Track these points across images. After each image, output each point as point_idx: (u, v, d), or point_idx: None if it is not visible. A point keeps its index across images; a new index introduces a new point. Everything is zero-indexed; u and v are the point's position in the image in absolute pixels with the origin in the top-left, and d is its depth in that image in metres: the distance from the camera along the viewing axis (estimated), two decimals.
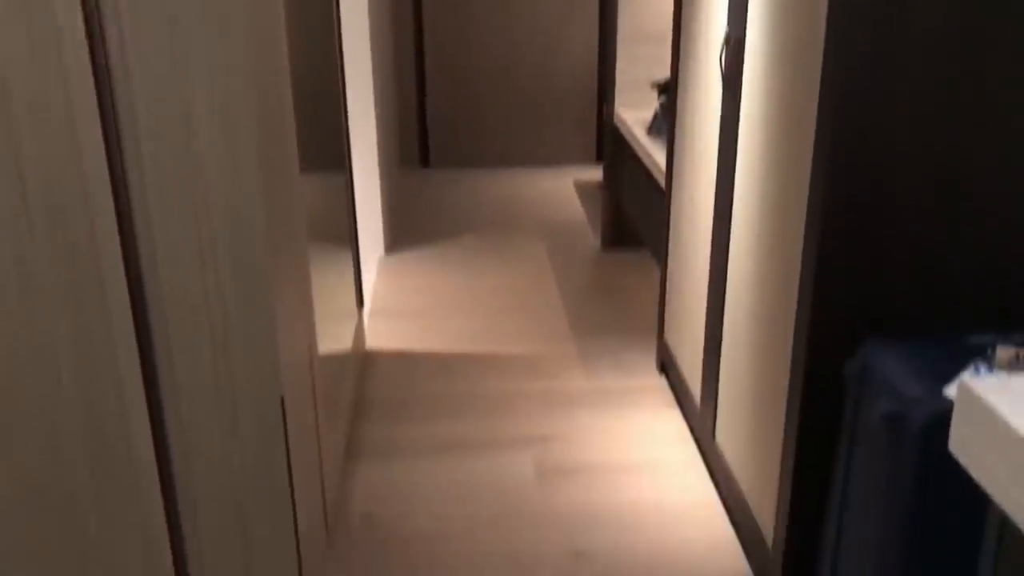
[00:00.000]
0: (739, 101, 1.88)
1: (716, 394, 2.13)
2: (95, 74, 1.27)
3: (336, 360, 2.31)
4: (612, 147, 3.71)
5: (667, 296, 2.68)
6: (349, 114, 3.41)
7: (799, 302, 1.57)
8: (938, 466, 1.28)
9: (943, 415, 1.22)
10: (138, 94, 1.30)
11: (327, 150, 2.53)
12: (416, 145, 5.16)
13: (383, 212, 3.79)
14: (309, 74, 2.17)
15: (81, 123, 1.30)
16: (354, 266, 2.92)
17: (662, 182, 2.71)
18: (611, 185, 3.76)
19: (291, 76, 1.75)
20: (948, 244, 1.47)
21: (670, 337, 2.65)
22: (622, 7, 3.51)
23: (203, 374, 1.46)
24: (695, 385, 2.35)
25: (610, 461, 2.31)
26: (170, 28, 1.27)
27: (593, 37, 4.93)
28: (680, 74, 2.45)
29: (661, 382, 2.71)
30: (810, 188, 1.50)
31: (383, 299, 3.39)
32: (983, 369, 1.35)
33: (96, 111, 1.29)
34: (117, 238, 1.36)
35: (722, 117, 2.00)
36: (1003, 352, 1.36)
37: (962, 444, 1.02)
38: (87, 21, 1.25)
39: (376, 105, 3.62)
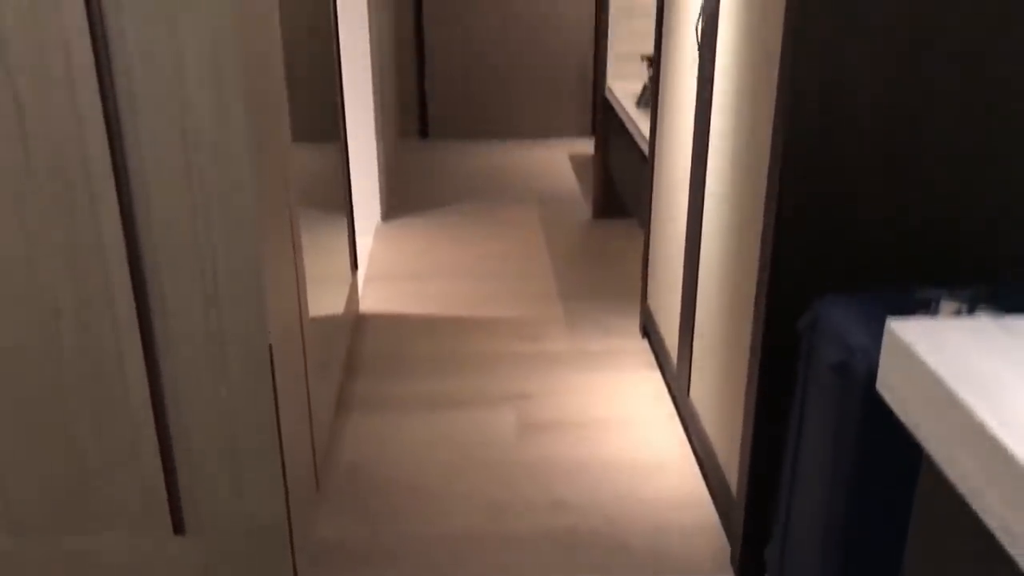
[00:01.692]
0: (712, 72, 1.96)
1: (691, 354, 2.22)
2: (92, 34, 1.35)
3: (329, 319, 2.41)
4: (604, 119, 3.78)
5: (650, 263, 2.77)
6: (348, 88, 3.48)
7: (760, 263, 1.65)
8: (881, 410, 1.37)
9: None
10: (134, 56, 1.38)
11: (322, 121, 2.61)
12: (415, 117, 5.23)
13: (380, 181, 3.87)
14: (304, 50, 2.25)
15: (81, 93, 1.38)
16: (349, 232, 3.00)
17: (647, 151, 2.79)
18: (602, 156, 3.83)
19: (284, 51, 1.82)
20: (898, 207, 1.55)
21: (652, 302, 2.73)
22: None
23: (195, 324, 1.56)
24: (672, 346, 2.44)
25: (590, 418, 2.41)
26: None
27: (589, 12, 4.98)
28: (663, 47, 2.52)
29: (643, 345, 2.81)
30: (770, 157, 1.58)
31: (379, 264, 3.48)
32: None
33: (95, 77, 1.37)
34: (115, 195, 1.45)
35: (697, 88, 2.08)
36: (947, 306, 1.44)
37: (887, 384, 1.10)
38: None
39: (374, 78, 3.69)
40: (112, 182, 1.44)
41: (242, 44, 1.41)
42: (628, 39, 3.67)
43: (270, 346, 1.59)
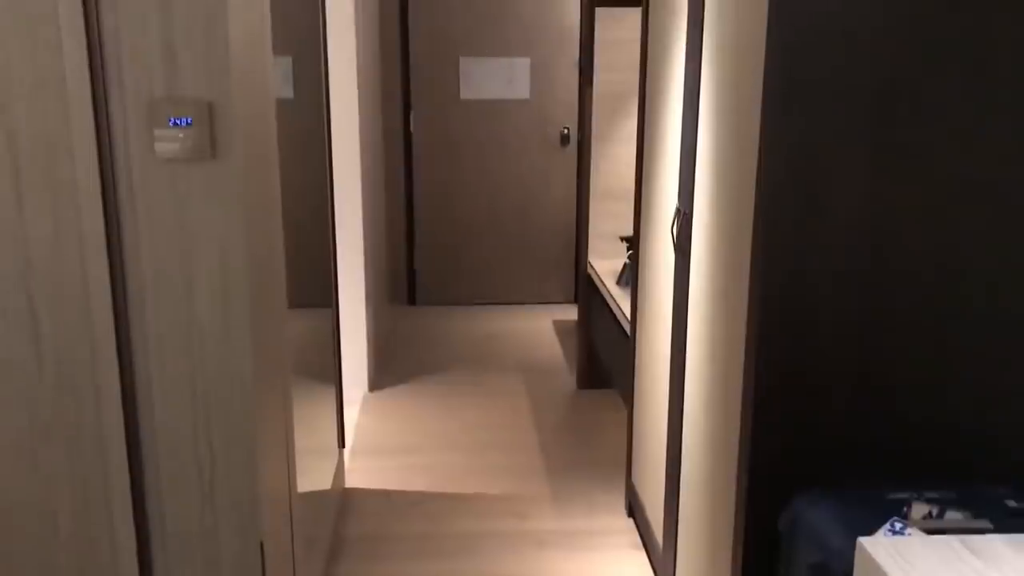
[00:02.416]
0: (688, 266, 2.08)
1: (676, 538, 2.24)
2: (108, 249, 1.46)
3: (315, 498, 2.42)
4: (586, 294, 3.92)
5: (633, 440, 2.82)
6: (339, 254, 3.62)
7: (739, 458, 1.71)
8: None
9: None
10: (145, 264, 1.48)
11: (316, 287, 2.70)
12: (405, 284, 5.39)
13: (368, 350, 3.96)
14: (302, 218, 2.37)
15: (93, 289, 1.47)
16: (337, 405, 3.05)
17: (629, 330, 2.90)
18: (585, 328, 3.94)
19: (284, 220, 1.92)
20: (871, 404, 1.64)
21: (637, 480, 2.77)
22: (594, 166, 3.81)
23: (190, 520, 1.59)
24: (658, 528, 2.46)
25: None
26: (178, 213, 1.47)
27: (571, 188, 5.26)
28: (641, 237, 2.68)
29: (629, 524, 2.82)
30: (744, 355, 1.67)
31: (366, 436, 3.50)
32: (899, 524, 1.49)
33: (107, 279, 1.47)
34: (119, 390, 1.51)
35: (675, 281, 2.20)
36: (918, 509, 1.50)
37: None
38: (105, 211, 1.44)
39: (366, 246, 3.84)
40: (117, 371, 1.50)
41: (249, 238, 1.52)
42: (609, 219, 3.87)
43: (261, 543, 1.61)
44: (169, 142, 1.42)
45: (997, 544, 1.10)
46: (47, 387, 1.50)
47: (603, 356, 3.68)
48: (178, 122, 1.42)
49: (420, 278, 5.38)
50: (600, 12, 3.73)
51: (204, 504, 1.59)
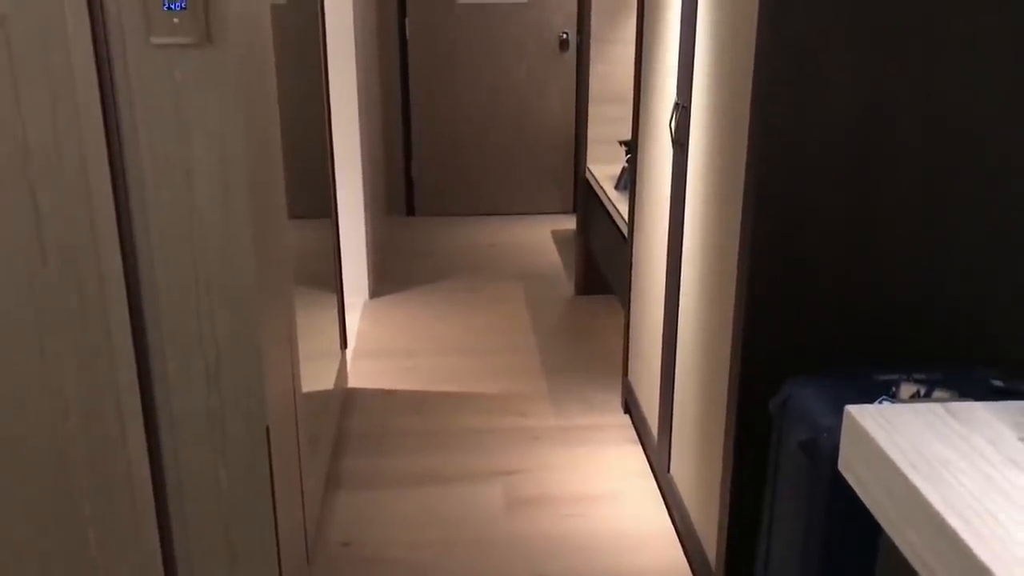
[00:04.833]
0: (686, 161, 2.09)
1: (670, 430, 2.30)
2: (107, 138, 1.46)
3: (319, 397, 2.48)
4: (584, 200, 3.92)
5: (630, 339, 2.86)
6: (337, 165, 3.61)
7: (732, 345, 1.75)
8: (846, 487, 1.46)
9: None
10: (144, 152, 1.49)
11: (315, 198, 2.72)
12: (402, 195, 5.37)
13: (368, 258, 3.98)
14: (299, 128, 2.37)
15: (93, 177, 1.48)
16: (338, 309, 3.09)
17: (627, 232, 2.91)
18: (584, 235, 3.96)
19: (281, 129, 1.93)
20: (861, 294, 1.67)
21: (633, 377, 2.82)
22: (593, 70, 3.76)
23: (196, 404, 1.63)
24: (653, 421, 2.52)
25: (574, 493, 2.47)
26: (175, 100, 1.46)
27: (569, 95, 5.19)
28: (639, 136, 2.67)
29: (625, 420, 2.89)
30: (739, 244, 1.69)
31: (367, 341, 3.56)
32: (887, 403, 1.53)
33: (107, 168, 1.48)
34: (122, 277, 1.53)
35: (673, 175, 2.21)
36: (906, 388, 1.55)
37: (848, 464, 1.20)
38: (103, 102, 1.44)
39: (363, 157, 3.82)
40: (119, 259, 1.53)
41: (246, 129, 1.52)
42: (608, 123, 3.84)
43: (267, 428, 1.66)
44: (164, 26, 1.41)
45: (978, 410, 1.14)
46: (51, 274, 1.52)
47: (601, 262, 3.70)
48: (172, 7, 1.41)
49: (418, 188, 5.37)
50: None
51: (210, 390, 1.63)
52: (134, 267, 1.54)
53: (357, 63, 3.70)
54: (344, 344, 3.12)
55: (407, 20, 5.08)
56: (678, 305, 2.20)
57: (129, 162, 1.49)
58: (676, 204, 2.18)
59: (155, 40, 1.42)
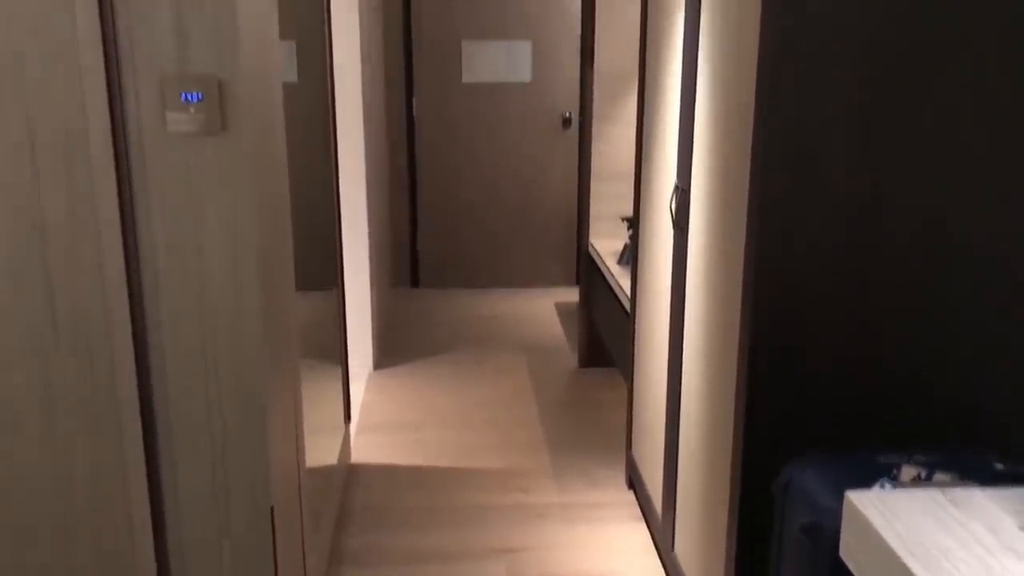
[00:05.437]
0: (687, 242, 2.13)
1: (674, 507, 2.30)
2: (122, 221, 1.51)
3: (322, 472, 2.48)
4: (587, 273, 3.97)
5: (633, 414, 2.87)
6: (344, 237, 3.67)
7: (734, 425, 1.76)
8: (849, 572, 1.45)
9: None
10: (157, 235, 1.53)
11: (321, 270, 2.76)
12: (408, 267, 5.43)
13: (373, 330, 4.01)
14: (308, 202, 2.42)
15: (107, 259, 1.52)
16: (343, 381, 3.11)
17: (629, 307, 2.94)
18: (587, 308, 3.99)
19: (290, 200, 1.97)
20: (862, 375, 1.68)
21: (636, 453, 2.82)
22: (595, 148, 3.85)
23: (202, 484, 1.64)
24: (657, 498, 2.51)
25: (577, 573, 2.45)
26: (189, 185, 1.51)
27: (572, 171, 5.29)
28: (640, 214, 2.72)
29: (629, 496, 2.87)
30: (739, 326, 1.72)
31: (370, 414, 3.56)
32: (888, 486, 1.54)
33: (121, 249, 1.52)
34: (132, 357, 1.56)
35: (674, 255, 2.25)
36: (907, 471, 1.55)
37: (849, 551, 1.20)
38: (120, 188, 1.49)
39: (370, 229, 3.89)
40: (130, 339, 1.55)
41: (258, 210, 1.56)
42: (610, 200, 3.92)
43: (272, 509, 1.66)
44: (181, 117, 1.46)
45: (978, 497, 1.15)
46: (62, 355, 1.55)
47: (604, 335, 3.73)
48: (189, 98, 1.46)
49: (423, 260, 5.43)
50: None
51: (216, 469, 1.64)
52: (144, 347, 1.57)
53: (365, 138, 3.79)
54: (348, 417, 3.13)
55: (414, 98, 5.21)
56: (680, 382, 2.22)
57: (143, 244, 1.53)
58: (677, 283, 2.21)
59: (172, 128, 1.47)
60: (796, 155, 1.59)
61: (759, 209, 1.61)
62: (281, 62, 1.92)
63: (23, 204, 1.49)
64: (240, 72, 1.48)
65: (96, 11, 1.43)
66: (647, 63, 2.66)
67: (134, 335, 1.55)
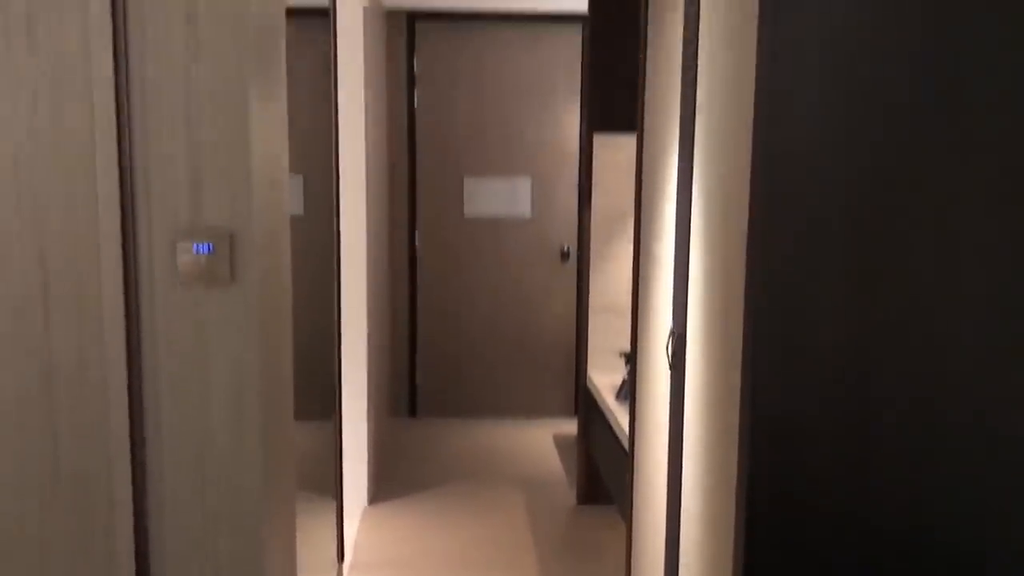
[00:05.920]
0: (683, 384, 2.15)
1: None
2: (128, 367, 1.53)
3: None
4: (586, 407, 3.97)
5: (632, 557, 2.81)
6: (343, 367, 3.68)
7: (733, 570, 1.74)
8: None
9: None
10: (163, 380, 1.55)
11: (318, 401, 2.76)
12: (406, 397, 5.43)
13: (370, 462, 3.97)
14: (309, 334, 2.45)
15: (112, 404, 1.54)
16: (337, 517, 3.06)
17: (627, 445, 2.93)
18: (585, 441, 3.97)
19: (294, 338, 2.00)
20: (860, 527, 1.67)
21: None
22: (593, 281, 3.93)
23: None
24: None
25: None
26: (196, 333, 1.55)
27: (571, 303, 5.37)
28: (638, 354, 2.75)
29: None
30: (737, 479, 1.72)
31: (364, 552, 3.49)
32: None
33: (126, 395, 1.54)
34: (131, 505, 1.56)
35: (671, 398, 2.26)
36: None
37: None
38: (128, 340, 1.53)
39: (369, 360, 3.91)
40: (131, 487, 1.55)
41: (262, 355, 1.59)
42: (608, 333, 3.96)
43: None
44: (192, 267, 1.51)
45: None
46: (61, 499, 1.55)
47: (603, 471, 3.69)
48: (200, 249, 1.52)
49: (422, 391, 5.43)
50: (598, 137, 3.91)
51: None
52: (143, 495, 1.57)
53: (368, 271, 3.87)
54: (341, 556, 3.07)
55: (417, 232, 5.34)
56: (679, 527, 2.19)
57: (147, 389, 1.55)
58: (675, 427, 2.22)
59: (183, 279, 1.52)
60: (788, 307, 1.63)
61: (754, 359, 1.64)
62: (289, 201, 1.99)
63: (32, 344, 1.53)
64: (251, 219, 1.54)
65: (115, 160, 1.50)
66: (642, 208, 2.75)
67: (134, 485, 1.55)
